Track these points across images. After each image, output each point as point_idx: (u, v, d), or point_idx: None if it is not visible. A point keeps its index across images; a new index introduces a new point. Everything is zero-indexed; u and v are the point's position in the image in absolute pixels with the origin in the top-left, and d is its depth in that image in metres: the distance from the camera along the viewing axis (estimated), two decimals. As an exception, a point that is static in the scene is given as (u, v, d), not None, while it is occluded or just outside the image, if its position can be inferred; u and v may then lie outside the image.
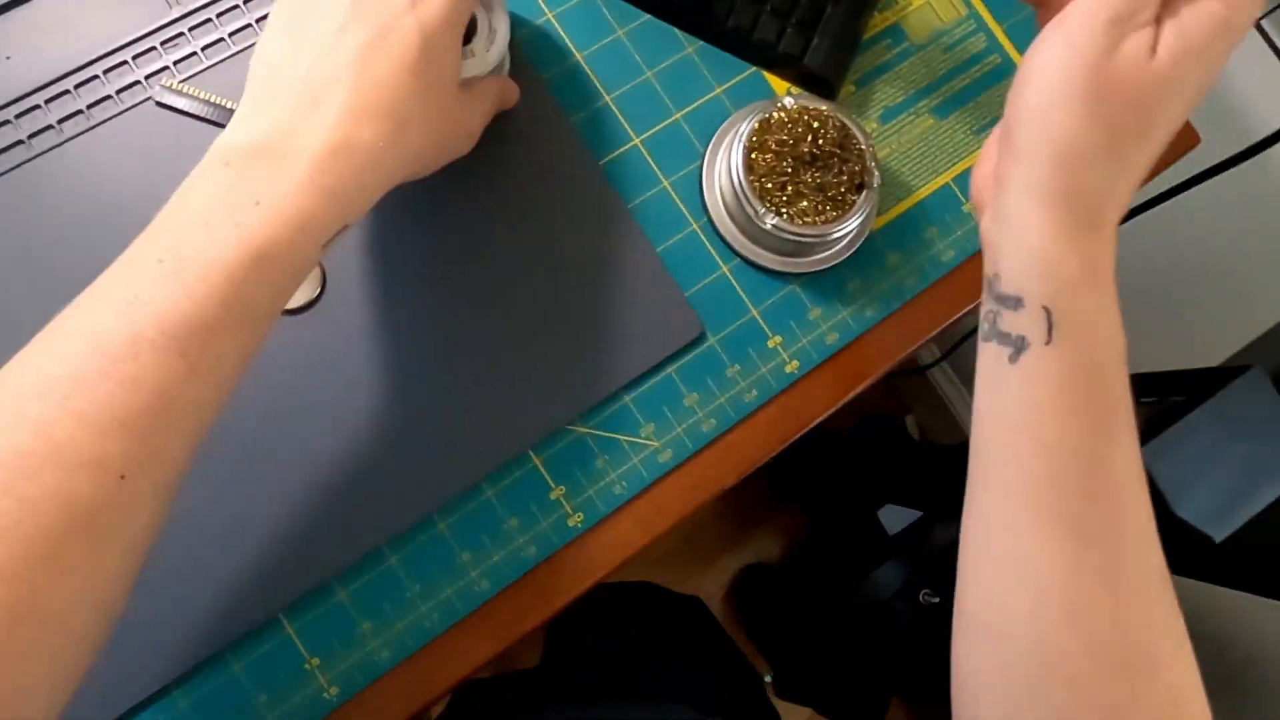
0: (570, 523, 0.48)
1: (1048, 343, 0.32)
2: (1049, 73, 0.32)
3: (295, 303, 0.48)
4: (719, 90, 0.53)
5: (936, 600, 1.25)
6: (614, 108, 0.52)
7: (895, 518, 1.23)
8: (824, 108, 0.50)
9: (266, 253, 0.33)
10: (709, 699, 0.63)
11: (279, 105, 0.35)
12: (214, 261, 0.32)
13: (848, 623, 1.29)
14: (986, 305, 0.35)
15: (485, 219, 0.50)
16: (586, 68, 0.53)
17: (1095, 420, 0.33)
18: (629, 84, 0.53)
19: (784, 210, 0.49)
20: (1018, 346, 0.33)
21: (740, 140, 0.49)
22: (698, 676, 0.67)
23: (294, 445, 0.46)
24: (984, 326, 0.35)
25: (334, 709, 0.45)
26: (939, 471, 1.30)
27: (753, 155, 0.49)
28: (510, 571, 0.47)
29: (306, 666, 0.45)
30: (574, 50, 0.53)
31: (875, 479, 1.34)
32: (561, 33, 0.53)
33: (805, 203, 0.49)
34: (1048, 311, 0.32)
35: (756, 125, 0.49)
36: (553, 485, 0.48)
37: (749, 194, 0.49)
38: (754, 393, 0.50)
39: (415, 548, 0.47)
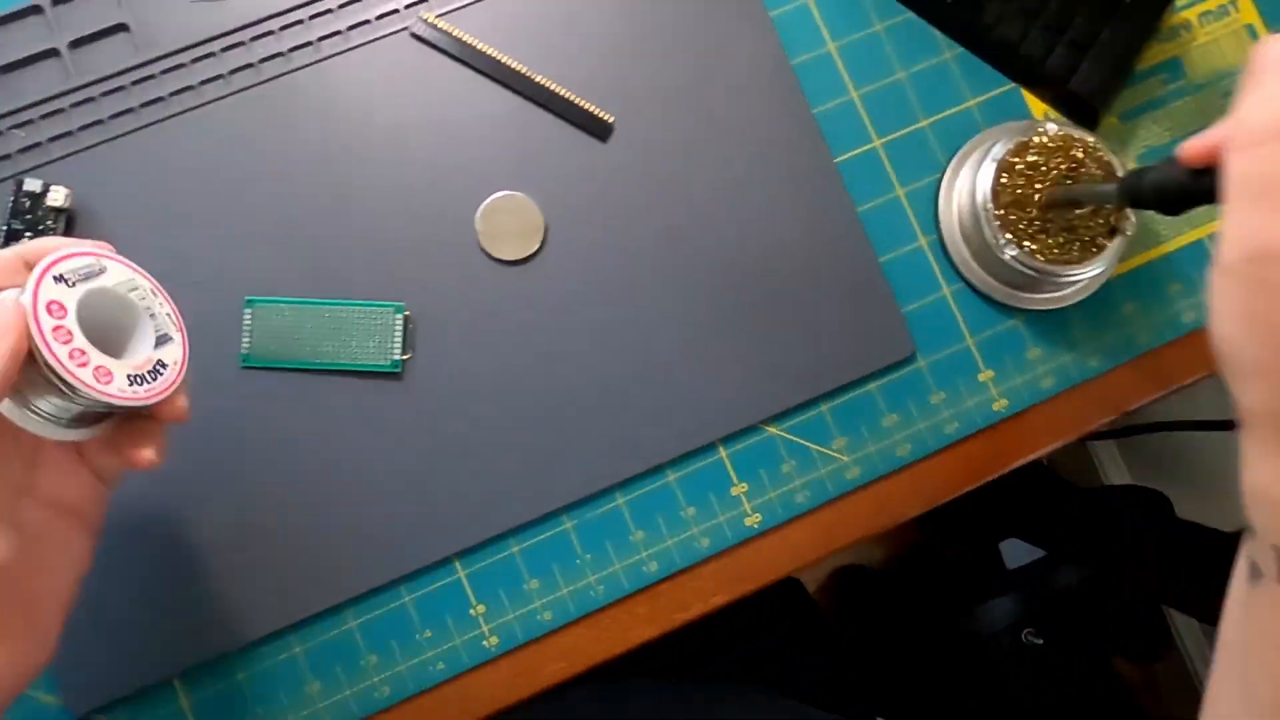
0: (747, 522, 0.47)
1: (1279, 580, 0.29)
2: None
3: (516, 255, 0.48)
4: (972, 102, 0.51)
5: (1040, 643, 1.21)
6: (859, 104, 0.50)
7: (1017, 552, 1.19)
8: (1090, 139, 0.46)
9: None
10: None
11: None
12: None
13: (943, 647, 1.26)
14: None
15: (709, 196, 0.49)
16: (838, 58, 0.50)
17: None
18: (879, 82, 0.50)
19: (1026, 243, 0.46)
20: (1253, 571, 0.30)
21: (992, 160, 0.46)
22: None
23: (496, 394, 0.47)
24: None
25: (491, 659, 0.46)
26: (1072, 514, 1.24)
27: (1003, 179, 0.46)
28: (680, 559, 0.47)
29: (472, 612, 0.46)
30: (828, 38, 0.50)
31: (1001, 507, 1.29)
32: (818, 17, 0.51)
33: (1051, 239, 0.46)
34: (1278, 551, 0.29)
35: (1013, 147, 0.46)
36: (735, 481, 0.48)
37: (992, 219, 0.46)
38: (956, 424, 0.48)
39: (593, 517, 0.47)
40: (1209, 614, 1.04)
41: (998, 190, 0.46)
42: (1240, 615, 0.32)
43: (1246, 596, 0.31)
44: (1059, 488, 1.44)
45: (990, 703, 1.28)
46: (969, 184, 0.48)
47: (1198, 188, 0.33)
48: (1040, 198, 0.46)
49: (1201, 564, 1.18)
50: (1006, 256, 0.46)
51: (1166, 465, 1.39)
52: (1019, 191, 0.46)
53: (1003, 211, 0.46)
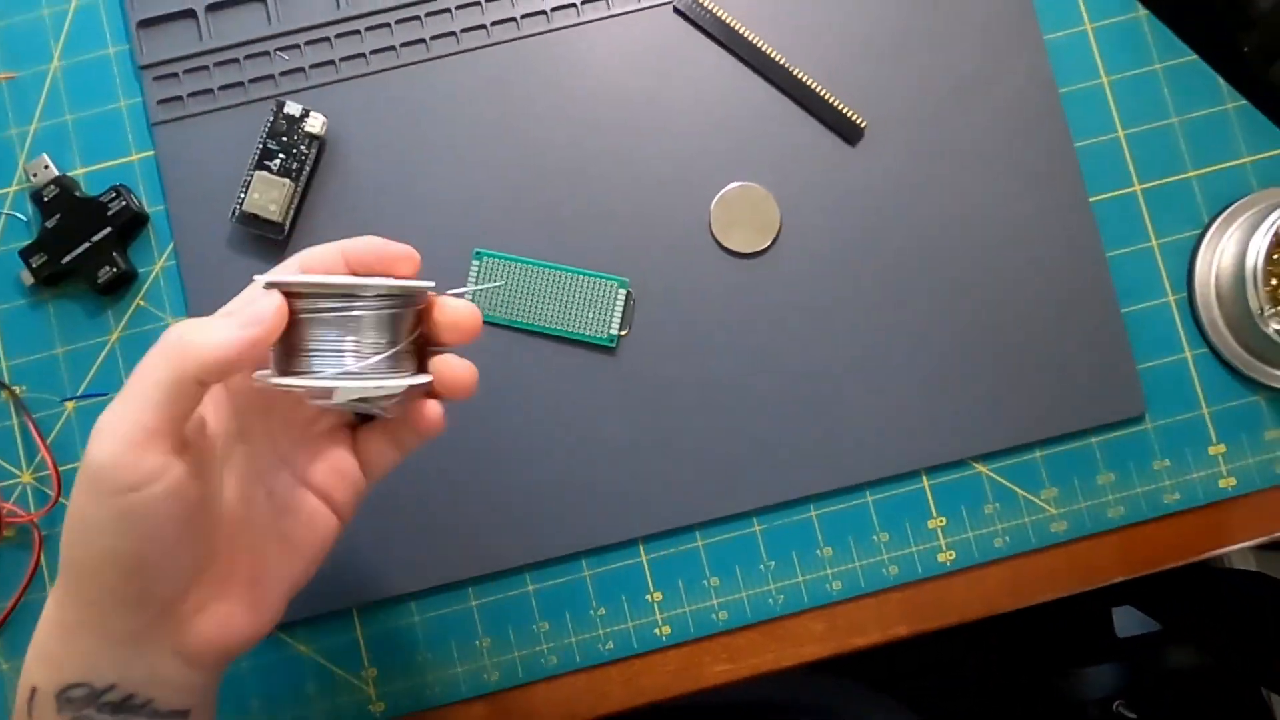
0: (940, 558, 0.46)
1: None
2: None
3: (747, 248, 0.47)
4: (1246, 160, 0.48)
5: (1133, 717, 1.16)
6: (1124, 144, 0.48)
7: (1130, 621, 1.14)
8: (1385, 220, 0.43)
9: None
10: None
11: None
12: None
13: (1034, 704, 1.22)
14: None
15: (953, 216, 0.47)
16: (1109, 93, 0.48)
17: None
18: (1149, 123, 0.48)
19: (1295, 318, 0.43)
20: None
21: (1273, 228, 0.43)
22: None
23: (706, 384, 0.46)
24: None
25: (660, 648, 0.46)
26: (1193, 591, 1.18)
27: (1281, 248, 0.43)
28: (866, 582, 0.46)
29: (649, 598, 0.46)
30: (1102, 70, 0.48)
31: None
32: (1095, 47, 0.48)
33: (1323, 318, 0.43)
34: None
35: (1296, 216, 0.43)
36: (935, 514, 0.46)
37: (1260, 289, 0.43)
38: (1176, 495, 0.46)
39: (783, 525, 0.46)
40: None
41: (1272, 259, 0.43)
42: None
43: None
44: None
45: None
46: (1236, 246, 0.45)
47: None
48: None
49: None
50: (1270, 329, 0.43)
51: (1299, 558, 1.32)
52: (1295, 264, 0.43)
53: (1276, 282, 0.43)
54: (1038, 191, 0.47)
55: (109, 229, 0.46)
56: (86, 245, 0.46)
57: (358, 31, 0.48)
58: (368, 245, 0.34)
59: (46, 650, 0.30)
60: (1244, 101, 0.48)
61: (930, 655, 1.39)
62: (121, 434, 0.27)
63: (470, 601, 0.46)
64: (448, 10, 0.48)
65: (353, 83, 0.48)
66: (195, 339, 0.28)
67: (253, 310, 0.30)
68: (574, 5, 0.48)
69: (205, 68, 0.47)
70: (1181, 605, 1.14)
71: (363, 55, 0.48)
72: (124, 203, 0.46)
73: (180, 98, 0.47)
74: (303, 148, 0.46)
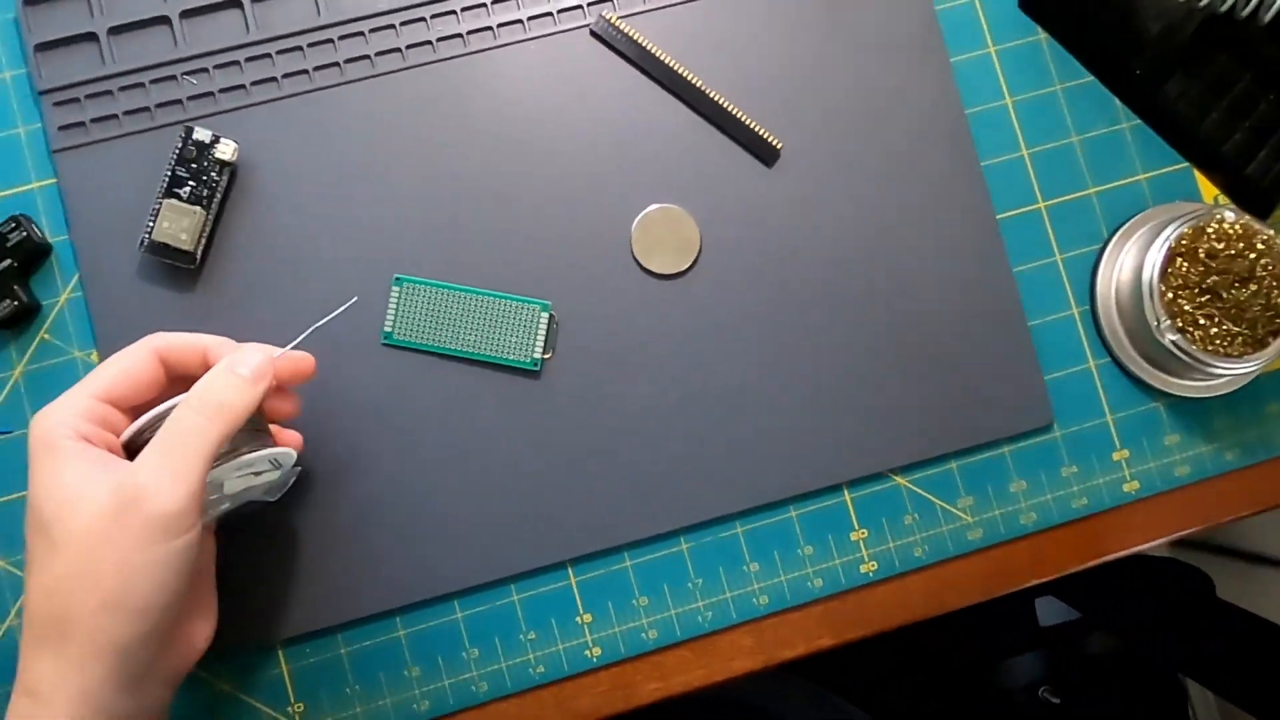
0: (863, 569, 0.47)
1: None
2: None
3: (668, 269, 0.47)
4: (1142, 177, 0.50)
5: (1056, 702, 1.20)
6: (1029, 163, 0.49)
7: (1052, 610, 1.18)
8: (1270, 233, 0.45)
9: None
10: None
11: None
12: None
13: (960, 697, 1.25)
14: None
15: (867, 235, 0.48)
16: (1013, 113, 0.50)
17: None
18: (1051, 143, 0.50)
19: (1189, 329, 0.45)
20: None
21: (1166, 242, 0.45)
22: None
23: (630, 406, 0.47)
24: None
25: (591, 669, 0.46)
26: (1110, 580, 1.23)
27: (1177, 262, 0.45)
28: (792, 596, 0.47)
29: (578, 620, 0.46)
30: (1006, 91, 0.50)
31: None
32: (999, 68, 0.50)
33: (1215, 328, 0.45)
34: None
35: (1189, 231, 0.46)
36: (856, 526, 0.47)
37: (1156, 301, 0.45)
38: (1085, 500, 0.48)
39: (709, 542, 0.47)
40: (1242, 697, 1.03)
41: (1168, 272, 0.46)
42: None
43: None
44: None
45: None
46: (1134, 260, 0.47)
47: None
48: (1213, 285, 0.45)
49: (1238, 647, 1.17)
50: (1166, 340, 0.45)
51: (1211, 545, 1.38)
52: (1189, 277, 0.45)
53: (1171, 295, 0.45)
54: (947, 209, 0.49)
55: (9, 260, 0.45)
56: (-15, 278, 0.44)
57: (269, 55, 0.47)
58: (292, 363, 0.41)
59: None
60: (1138, 121, 0.50)
61: (863, 655, 1.42)
62: (182, 488, 0.33)
63: (398, 631, 0.46)
64: (361, 34, 0.47)
65: (265, 107, 0.47)
66: (233, 400, 0.35)
67: (257, 364, 0.36)
68: (490, 29, 0.48)
69: (109, 92, 0.46)
70: (1101, 594, 1.18)
71: (274, 79, 0.47)
72: (24, 233, 0.45)
73: (83, 124, 0.46)
74: (214, 174, 0.45)
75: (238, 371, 0.36)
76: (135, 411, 0.37)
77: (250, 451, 0.37)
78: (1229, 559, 1.26)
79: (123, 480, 0.33)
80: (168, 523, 0.32)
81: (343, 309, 0.42)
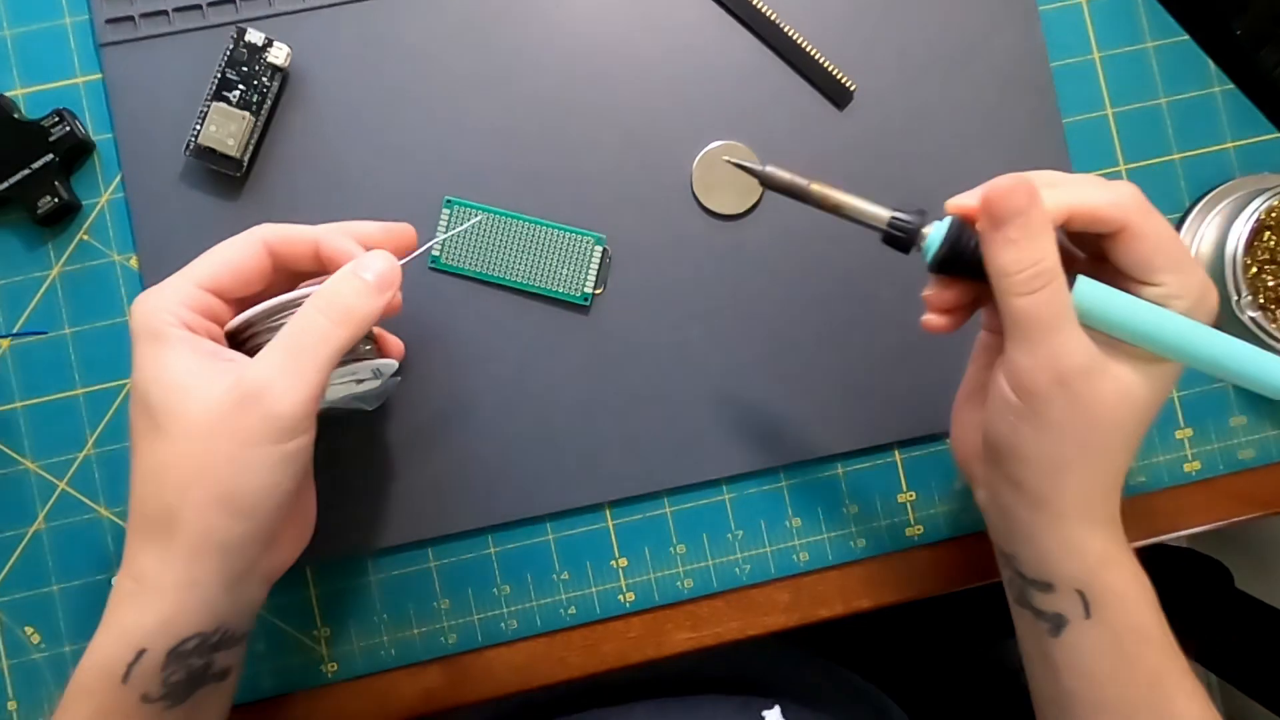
0: (908, 532, 0.46)
1: (1087, 618, 0.33)
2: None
3: (728, 209, 0.45)
4: (1230, 145, 0.47)
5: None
6: (1112, 123, 0.47)
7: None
8: (1363, 212, 0.43)
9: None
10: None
11: None
12: None
13: (969, 676, 1.24)
14: (1007, 572, 0.36)
15: (937, 187, 0.45)
16: (1100, 69, 0.47)
17: (1150, 677, 0.34)
18: (1137, 103, 0.47)
19: (1270, 306, 0.43)
20: (1056, 623, 0.34)
21: (1255, 214, 0.43)
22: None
23: (679, 347, 0.45)
24: (1011, 591, 0.37)
25: (623, 614, 0.45)
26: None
27: (1264, 235, 0.43)
28: (834, 554, 0.46)
29: (613, 564, 0.45)
30: (1094, 45, 0.47)
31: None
32: (1089, 20, 0.47)
33: (1298, 307, 0.43)
34: (1081, 594, 0.33)
35: (1278, 204, 0.43)
36: (904, 488, 0.46)
37: (1239, 275, 0.43)
38: (1142, 477, 0.46)
39: (753, 495, 0.46)
40: (1258, 690, 1.02)
41: (1253, 245, 0.43)
42: (1051, 672, 0.35)
43: (1055, 650, 0.34)
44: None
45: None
46: (1216, 231, 0.45)
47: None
48: (1298, 263, 0.43)
49: (1256, 639, 1.16)
50: (1245, 316, 0.43)
51: (1229, 537, 1.37)
52: (1276, 251, 0.43)
53: (1256, 269, 0.43)
54: (1023, 166, 0.46)
55: (50, 156, 0.43)
56: (25, 172, 0.43)
57: (327, -43, 0.45)
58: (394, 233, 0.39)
59: (157, 613, 0.32)
60: (1232, 86, 0.47)
61: (871, 628, 1.41)
62: (304, 390, 0.32)
63: (430, 562, 0.45)
64: (425, -59, 0.45)
65: (321, 13, 0.45)
66: (360, 306, 0.33)
67: (383, 271, 0.34)
68: (559, -56, 0.46)
69: (160, -13, 0.44)
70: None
71: (332, -17, 0.45)
72: (67, 128, 0.43)
73: (131, 18, 0.44)
74: (264, 79, 0.44)
75: (364, 277, 0.34)
76: (239, 304, 0.36)
77: (357, 360, 0.36)
78: (1248, 550, 1.24)
79: (242, 375, 0.32)
80: (286, 423, 0.32)
81: (465, 227, 0.42)
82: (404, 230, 0.39)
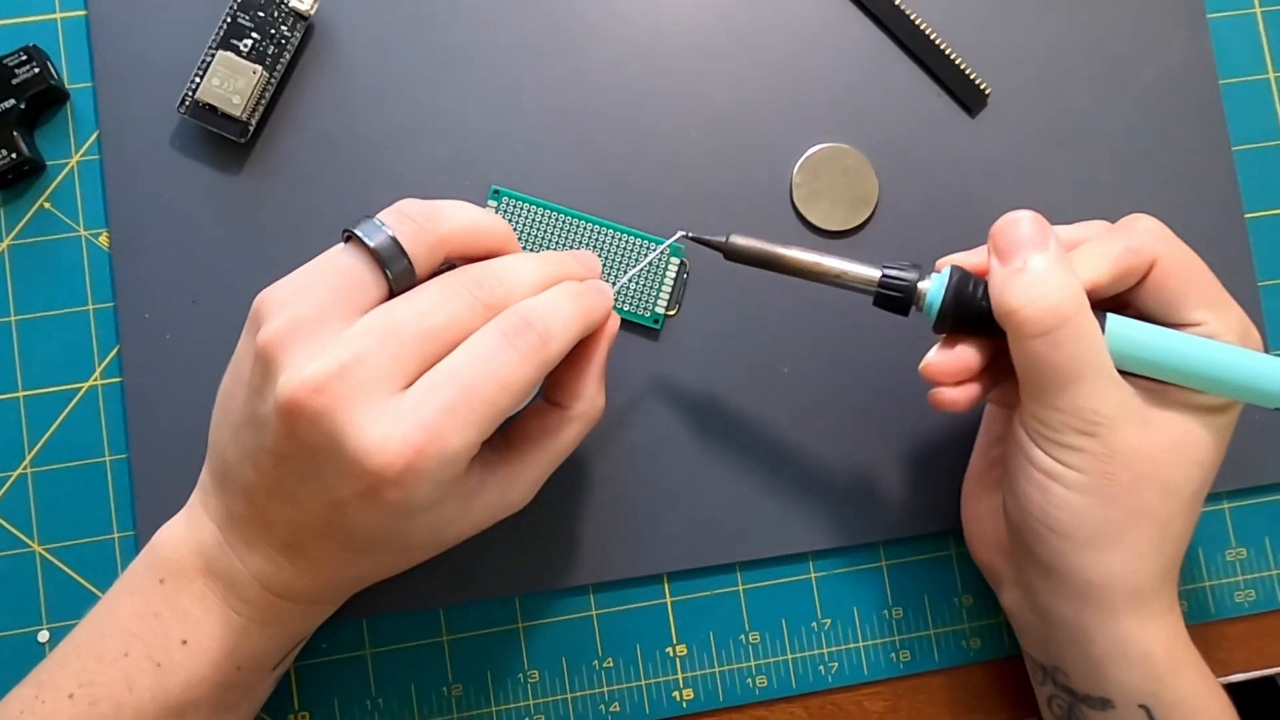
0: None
1: None
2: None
3: (834, 224, 0.37)
4: None
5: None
6: (1288, 155, 0.39)
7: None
8: None
9: (193, 701, 0.28)
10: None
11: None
12: (126, 711, 0.27)
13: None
14: (1047, 690, 0.32)
15: (1076, 207, 0.38)
16: (1275, 91, 0.40)
17: None
18: (1319, 134, 0.40)
19: None
20: None
21: None
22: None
23: (767, 390, 0.37)
24: (1054, 712, 0.32)
25: (680, 715, 0.36)
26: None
27: None
28: (943, 656, 0.37)
29: (670, 651, 0.37)
30: (1269, 63, 0.40)
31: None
32: (1263, 34, 0.40)
33: None
34: (1148, 711, 0.29)
35: None
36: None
37: None
38: (1185, 604, 0.38)
39: (847, 574, 0.37)
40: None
41: None
42: None
43: None
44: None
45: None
46: None
47: None
48: None
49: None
50: None
51: None
52: None
53: None
54: (1184, 195, 0.39)
55: (12, 101, 0.35)
56: (-22, 118, 0.35)
57: (371, -108, 0.37)
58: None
59: (286, 631, 0.30)
60: None
61: None
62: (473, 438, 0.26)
63: (441, 635, 0.36)
64: (490, -119, 0.37)
65: (358, -43, 0.37)
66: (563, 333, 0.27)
67: (599, 301, 0.29)
68: (649, -100, 0.38)
69: (165, -90, 0.36)
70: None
71: (374, -77, 0.37)
72: (36, 69, 0.35)
73: (127, -56, 0.36)
74: (284, 29, 0.36)
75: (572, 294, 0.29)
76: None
77: None
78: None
79: None
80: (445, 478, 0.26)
81: (668, 244, 0.34)
82: (588, 261, 0.31)
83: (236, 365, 0.28)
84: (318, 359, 0.24)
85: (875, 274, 0.29)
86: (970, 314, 0.29)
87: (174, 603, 0.28)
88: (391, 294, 0.27)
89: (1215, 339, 0.28)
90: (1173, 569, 0.30)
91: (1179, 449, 0.28)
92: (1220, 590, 0.38)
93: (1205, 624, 0.37)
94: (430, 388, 0.25)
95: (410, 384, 0.25)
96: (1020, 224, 0.28)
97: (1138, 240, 0.28)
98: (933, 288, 0.29)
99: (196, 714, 0.28)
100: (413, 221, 0.27)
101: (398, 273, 0.26)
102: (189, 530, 0.29)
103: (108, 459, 0.35)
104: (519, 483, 0.29)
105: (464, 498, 0.28)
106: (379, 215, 0.27)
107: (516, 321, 0.26)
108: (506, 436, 0.30)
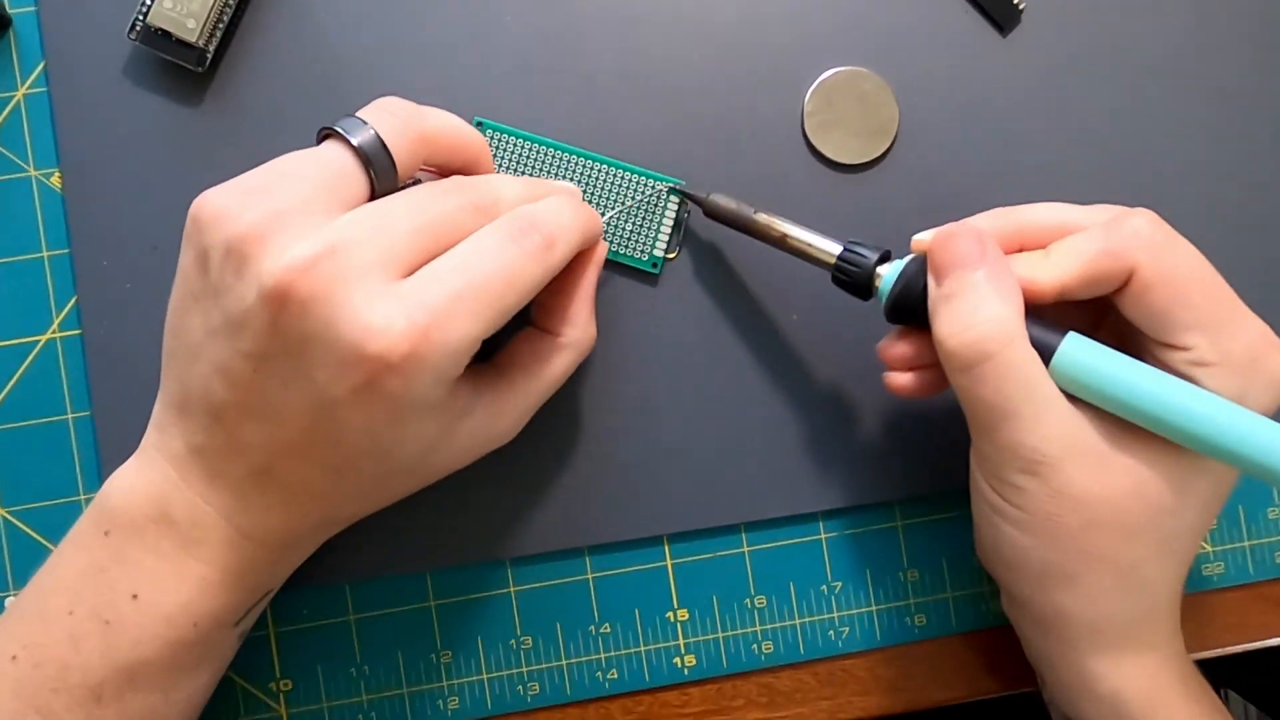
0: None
1: None
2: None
3: (851, 157, 0.34)
4: None
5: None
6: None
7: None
8: None
9: (145, 660, 0.26)
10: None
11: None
12: (72, 672, 0.25)
13: None
14: (1045, 695, 0.31)
15: (1123, 140, 0.35)
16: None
17: None
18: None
19: None
20: None
21: None
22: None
23: (774, 340, 0.34)
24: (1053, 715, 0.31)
25: (679, 683, 0.35)
26: None
27: None
28: (959, 621, 0.35)
29: (670, 616, 0.35)
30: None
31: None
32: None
33: None
34: None
35: None
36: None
37: None
38: (1220, 565, 0.35)
39: (858, 535, 0.35)
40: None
41: None
42: None
43: None
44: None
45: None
46: None
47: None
48: None
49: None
50: None
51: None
52: None
53: None
54: (1241, 129, 0.35)
55: (-53, 29, 0.32)
56: (-92, 46, 0.32)
57: None
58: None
59: (249, 583, 0.27)
60: None
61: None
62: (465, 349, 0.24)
63: (429, 600, 0.34)
64: None
65: None
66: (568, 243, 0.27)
67: (595, 218, 0.29)
68: None
69: None
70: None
71: None
72: (-28, -8, 0.32)
73: None
74: (242, -56, 0.32)
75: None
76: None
77: None
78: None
79: None
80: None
81: (649, 193, 0.32)
82: (572, 192, 0.30)
83: (184, 280, 0.26)
84: (304, 240, 0.23)
85: (836, 250, 0.29)
86: (921, 311, 0.27)
87: (122, 554, 0.26)
88: (374, 196, 0.25)
89: (1203, 366, 0.25)
90: (1156, 611, 0.27)
91: (1141, 494, 0.25)
92: (1260, 550, 0.35)
93: (1243, 586, 0.35)
94: (433, 276, 0.24)
95: (409, 275, 0.24)
96: (956, 240, 0.26)
97: (1118, 243, 0.25)
98: (886, 276, 0.28)
99: (150, 675, 0.26)
100: (394, 117, 0.26)
101: (381, 170, 0.25)
102: (139, 475, 0.27)
103: (70, 416, 0.33)
104: (508, 410, 0.28)
105: (452, 418, 0.26)
106: (359, 112, 0.26)
107: (522, 223, 0.25)
108: (496, 363, 0.29)
